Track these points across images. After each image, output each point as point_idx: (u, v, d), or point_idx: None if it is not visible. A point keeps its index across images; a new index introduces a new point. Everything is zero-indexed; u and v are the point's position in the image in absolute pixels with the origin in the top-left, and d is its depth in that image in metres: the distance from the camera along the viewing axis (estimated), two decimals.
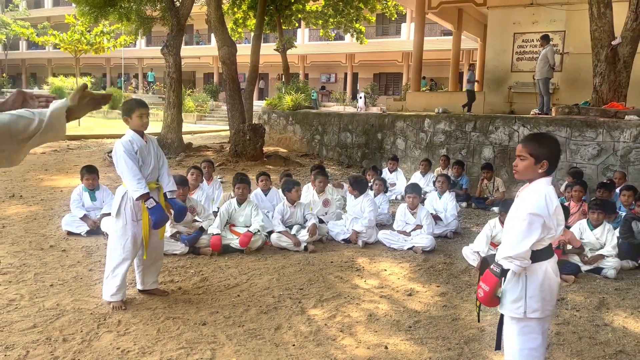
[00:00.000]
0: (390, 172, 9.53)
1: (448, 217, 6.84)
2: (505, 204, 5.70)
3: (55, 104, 1.77)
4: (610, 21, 10.31)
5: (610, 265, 5.24)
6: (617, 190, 7.34)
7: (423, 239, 5.95)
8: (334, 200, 7.05)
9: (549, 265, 2.62)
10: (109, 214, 5.87)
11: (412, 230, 6.20)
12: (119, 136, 4.14)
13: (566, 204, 6.77)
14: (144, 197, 3.89)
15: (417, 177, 9.08)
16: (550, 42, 11.98)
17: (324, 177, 6.96)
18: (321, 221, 6.39)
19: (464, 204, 8.61)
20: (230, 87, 12.66)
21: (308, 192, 6.95)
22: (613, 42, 10.22)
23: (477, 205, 8.58)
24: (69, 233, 5.97)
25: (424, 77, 27.19)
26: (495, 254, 2.62)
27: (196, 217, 5.85)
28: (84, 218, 6.05)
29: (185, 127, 18.02)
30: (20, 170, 10.23)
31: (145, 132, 4.09)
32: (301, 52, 34.56)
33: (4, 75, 46.81)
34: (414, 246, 5.93)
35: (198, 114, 30.21)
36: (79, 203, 6.19)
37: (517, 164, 2.60)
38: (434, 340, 3.65)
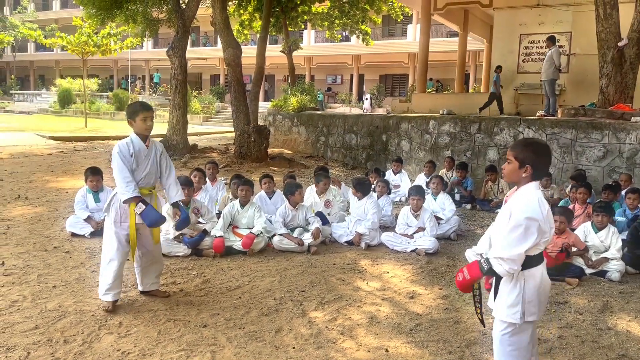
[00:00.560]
0: (395, 173, 9.51)
1: (447, 214, 6.85)
2: None
3: None
4: (617, 22, 10.25)
5: (615, 268, 5.20)
6: (623, 192, 7.28)
7: (426, 241, 5.93)
8: (336, 201, 7.04)
9: (543, 269, 2.66)
10: None
11: (414, 233, 6.18)
12: (125, 137, 4.10)
13: (571, 206, 6.73)
14: (133, 201, 3.85)
15: (421, 179, 9.05)
16: (557, 43, 11.92)
17: (326, 179, 6.95)
18: (324, 222, 6.38)
19: (468, 206, 8.58)
20: (235, 88, 12.69)
21: (310, 194, 6.94)
22: (619, 44, 10.16)
23: (481, 207, 8.54)
24: (73, 234, 6.00)
25: (430, 79, 27.16)
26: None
27: (200, 219, 5.86)
28: (88, 219, 6.08)
29: (191, 128, 18.12)
30: (27, 171, 10.31)
31: (149, 136, 4.04)
32: (307, 53, 34.62)
33: (13, 77, 47.26)
34: (417, 248, 5.91)
35: (204, 116, 30.33)
36: (82, 204, 6.22)
37: (504, 166, 2.69)
38: (435, 344, 3.64)
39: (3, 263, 4.95)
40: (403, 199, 8.73)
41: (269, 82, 38.53)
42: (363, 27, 22.93)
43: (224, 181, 8.15)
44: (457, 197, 8.62)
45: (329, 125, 13.37)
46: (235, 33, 18.91)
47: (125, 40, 23.89)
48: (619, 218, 6.54)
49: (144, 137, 3.99)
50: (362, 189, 6.45)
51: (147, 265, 4.20)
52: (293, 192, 6.06)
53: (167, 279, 4.73)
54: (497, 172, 8.88)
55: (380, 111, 21.48)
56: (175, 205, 4.19)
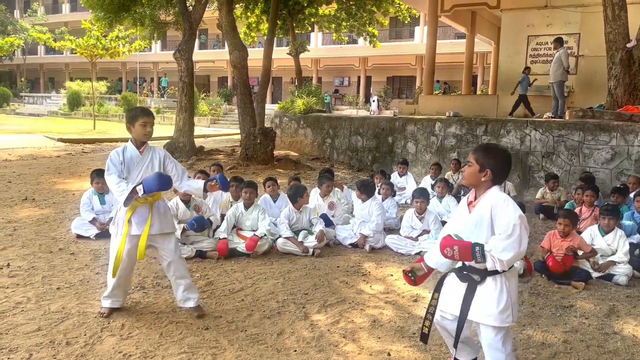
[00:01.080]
0: (400, 176, 9.48)
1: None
2: None
3: None
4: (625, 23, 10.16)
5: (622, 272, 5.14)
6: (632, 195, 7.19)
7: (431, 244, 5.89)
8: (340, 203, 7.03)
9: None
10: None
11: (419, 235, 6.15)
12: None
13: (577, 209, 6.67)
14: (133, 195, 3.65)
15: (427, 181, 9.01)
16: (565, 45, 11.84)
17: (329, 181, 6.93)
18: (329, 223, 6.36)
19: None
20: (241, 91, 12.72)
21: (314, 196, 6.94)
22: (628, 45, 10.08)
23: None
24: (78, 236, 6.03)
25: (437, 81, 27.10)
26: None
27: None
28: (93, 221, 6.11)
29: (199, 130, 18.19)
30: (35, 173, 10.39)
31: (147, 143, 3.87)
32: (314, 55, 34.67)
33: (23, 79, 47.68)
34: (421, 251, 5.87)
35: (212, 118, 30.46)
36: (88, 206, 6.25)
37: (465, 169, 2.78)
38: (437, 347, 3.60)
39: (8, 264, 4.98)
40: (409, 201, 8.69)
41: (276, 85, 38.64)
42: (370, 29, 22.92)
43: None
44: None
45: (335, 128, 13.36)
46: (242, 36, 18.99)
47: (134, 43, 24.05)
48: (627, 222, 6.47)
49: (141, 143, 3.83)
50: (366, 190, 6.42)
51: (174, 278, 3.97)
52: (302, 194, 6.04)
53: (169, 281, 4.72)
54: None
55: (387, 113, 21.50)
56: (204, 185, 3.87)
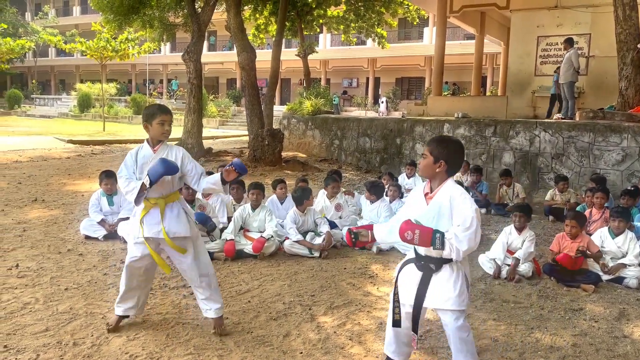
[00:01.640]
0: (408, 177, 9.43)
1: None
2: (520, 207, 5.59)
3: None
4: (636, 24, 10.07)
5: (632, 274, 5.07)
6: None
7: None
8: (347, 205, 7.01)
9: None
10: (126, 219, 5.97)
11: None
12: (143, 141, 3.74)
13: (587, 211, 6.60)
14: (143, 191, 3.44)
15: None
16: (575, 46, 11.74)
17: (335, 182, 6.91)
18: (334, 226, 6.35)
19: (483, 210, 8.47)
20: (249, 92, 12.75)
21: (321, 197, 6.92)
22: (639, 45, 9.97)
23: (496, 212, 8.43)
24: (87, 237, 6.06)
25: (446, 82, 27.00)
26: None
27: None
28: (102, 222, 6.14)
29: (207, 132, 18.27)
30: (44, 174, 10.46)
31: (165, 141, 3.62)
32: (323, 57, 34.69)
33: (34, 81, 48.12)
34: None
35: (220, 119, 30.55)
36: (96, 207, 6.29)
37: (420, 161, 2.93)
38: (444, 350, 3.58)
39: (17, 265, 5.01)
40: None
41: (285, 86, 38.70)
42: (379, 30, 22.88)
43: None
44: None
45: (343, 129, 13.35)
46: (251, 37, 19.05)
47: (143, 45, 24.21)
48: (638, 224, 6.40)
49: (157, 142, 3.60)
50: (375, 191, 6.42)
51: (191, 286, 3.80)
52: (308, 197, 6.04)
53: (178, 281, 4.74)
54: (512, 176, 8.77)
55: (396, 114, 21.45)
56: (221, 176, 3.51)
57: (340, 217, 6.73)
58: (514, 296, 4.74)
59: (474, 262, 5.63)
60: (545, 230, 7.40)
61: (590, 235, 5.69)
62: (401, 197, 7.74)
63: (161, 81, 44.09)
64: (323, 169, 11.91)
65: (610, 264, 5.24)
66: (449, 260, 2.82)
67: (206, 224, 5.57)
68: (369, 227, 3.20)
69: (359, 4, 20.74)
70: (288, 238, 5.84)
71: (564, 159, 9.30)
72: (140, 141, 3.94)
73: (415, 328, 2.94)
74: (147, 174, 3.41)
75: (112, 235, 6.04)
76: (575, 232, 5.24)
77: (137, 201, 3.50)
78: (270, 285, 4.80)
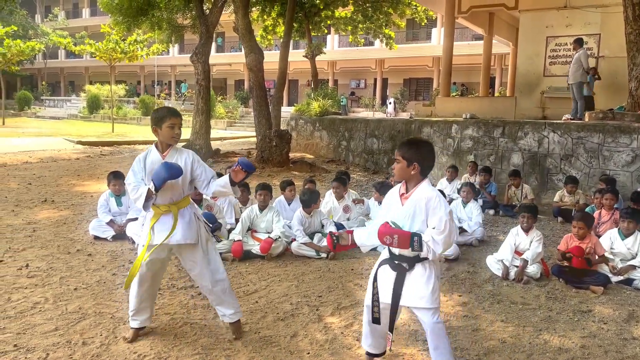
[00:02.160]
0: (449, 182, 9.34)
1: (472, 225, 6.67)
2: (527, 207, 5.56)
3: None
4: None
5: None
6: None
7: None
8: (355, 206, 7.00)
9: None
10: (134, 219, 6.01)
11: None
12: (152, 142, 3.68)
13: (597, 212, 6.56)
14: (150, 199, 3.37)
15: (443, 184, 8.94)
16: (584, 46, 11.66)
17: (339, 183, 6.89)
18: (341, 227, 6.35)
19: (491, 211, 8.44)
20: (257, 93, 12.79)
21: (329, 198, 6.92)
22: None
23: (504, 213, 8.39)
24: (96, 237, 6.11)
25: (454, 83, 26.92)
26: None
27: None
28: (110, 223, 6.19)
29: (215, 133, 18.33)
30: (54, 175, 10.56)
31: (174, 145, 3.54)
32: (331, 58, 34.70)
33: (44, 83, 48.53)
34: None
35: (228, 120, 30.65)
36: (105, 208, 6.34)
37: (394, 166, 2.97)
38: (452, 351, 3.57)
39: (27, 265, 5.06)
40: None
41: (292, 87, 38.74)
42: (387, 31, 22.87)
43: None
44: (480, 202, 8.47)
45: (351, 130, 13.35)
46: (259, 38, 19.11)
47: (152, 47, 24.34)
48: None
49: (166, 146, 3.50)
50: (384, 191, 6.35)
51: (204, 292, 3.77)
52: (315, 201, 6.04)
53: (185, 282, 4.76)
54: (520, 177, 8.72)
55: (404, 115, 21.40)
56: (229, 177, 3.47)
57: (348, 219, 6.73)
58: (522, 297, 4.72)
59: (482, 264, 5.61)
60: (554, 231, 7.36)
61: (600, 236, 5.65)
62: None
63: (166, 83, 44.30)
64: (331, 170, 11.92)
65: (620, 266, 5.20)
66: (421, 260, 2.92)
67: (212, 223, 5.59)
68: (349, 232, 3.30)
69: (367, 4, 20.74)
70: (295, 239, 5.85)
71: (573, 160, 9.24)
72: (149, 142, 3.94)
73: (391, 327, 3.03)
74: (152, 180, 3.35)
75: (120, 235, 6.08)
76: (583, 233, 5.21)
77: (145, 207, 3.44)
78: (277, 285, 4.81)
